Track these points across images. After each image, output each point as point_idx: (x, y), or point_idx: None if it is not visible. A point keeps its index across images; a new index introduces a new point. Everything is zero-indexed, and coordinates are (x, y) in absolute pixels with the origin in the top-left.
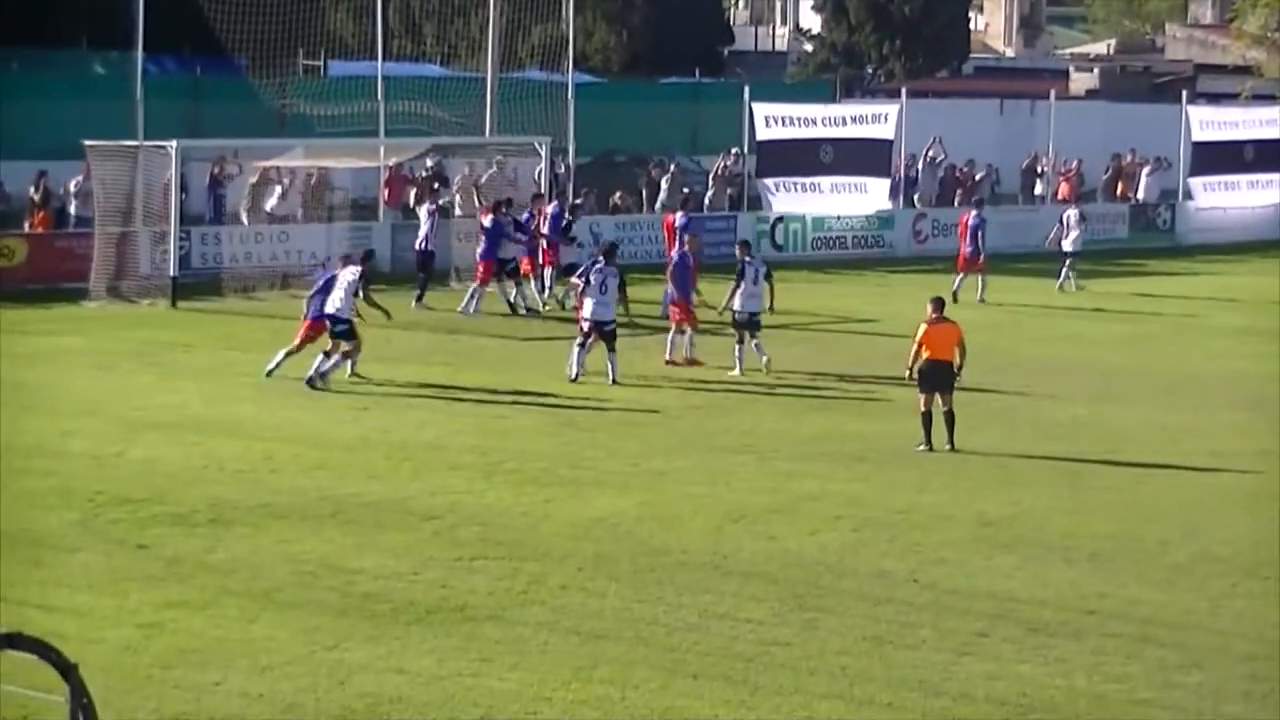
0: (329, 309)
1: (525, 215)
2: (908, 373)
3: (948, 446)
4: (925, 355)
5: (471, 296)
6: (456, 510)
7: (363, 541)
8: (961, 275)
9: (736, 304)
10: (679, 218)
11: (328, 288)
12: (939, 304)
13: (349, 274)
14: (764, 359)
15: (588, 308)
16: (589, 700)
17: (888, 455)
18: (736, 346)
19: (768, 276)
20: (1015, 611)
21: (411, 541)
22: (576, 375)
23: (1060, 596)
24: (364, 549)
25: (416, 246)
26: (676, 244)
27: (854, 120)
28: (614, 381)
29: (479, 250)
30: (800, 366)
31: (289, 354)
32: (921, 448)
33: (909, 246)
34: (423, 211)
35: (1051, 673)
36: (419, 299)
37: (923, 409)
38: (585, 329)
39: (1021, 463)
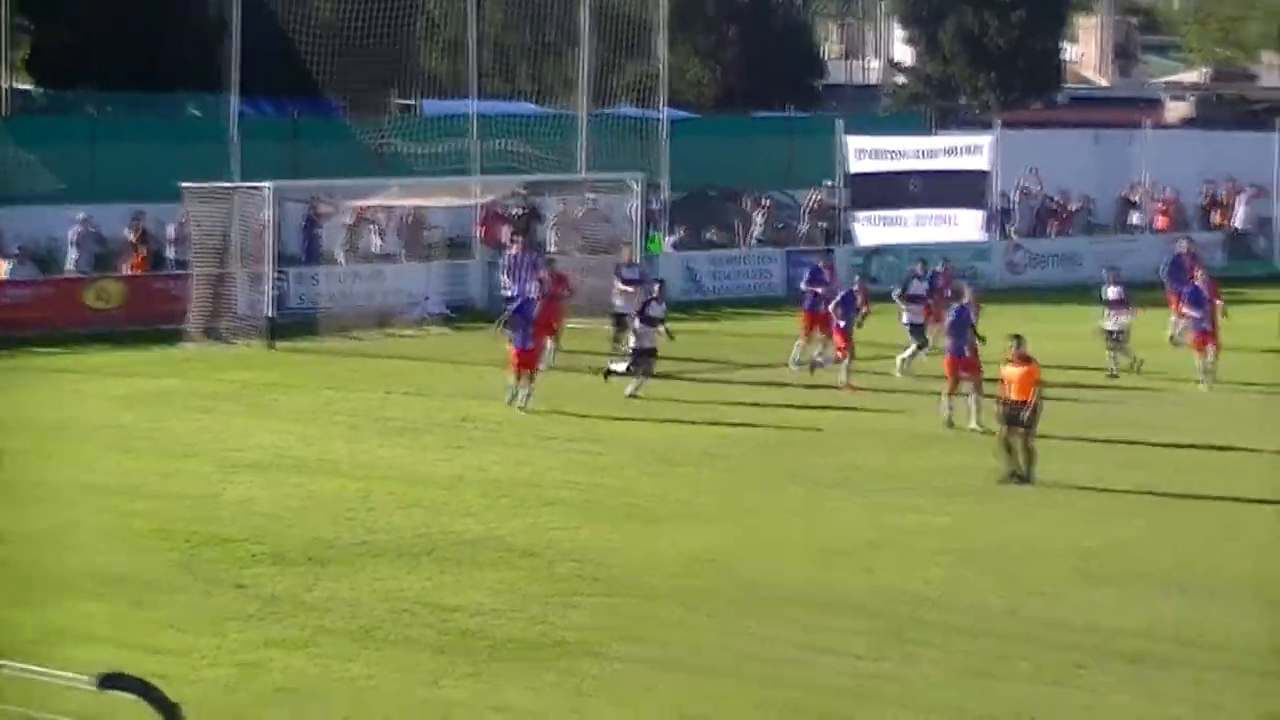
0: None
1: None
2: (997, 406)
3: (1027, 481)
4: (1004, 394)
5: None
6: (553, 547)
7: (460, 579)
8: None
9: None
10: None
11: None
12: (1018, 342)
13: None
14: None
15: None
16: None
17: (985, 488)
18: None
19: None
20: (1113, 643)
21: (509, 578)
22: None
23: (1158, 628)
24: (461, 586)
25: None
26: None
27: (947, 152)
28: None
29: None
30: (894, 398)
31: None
32: (1003, 480)
33: (1004, 278)
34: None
35: (1150, 704)
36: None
37: (1003, 439)
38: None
39: (1119, 495)
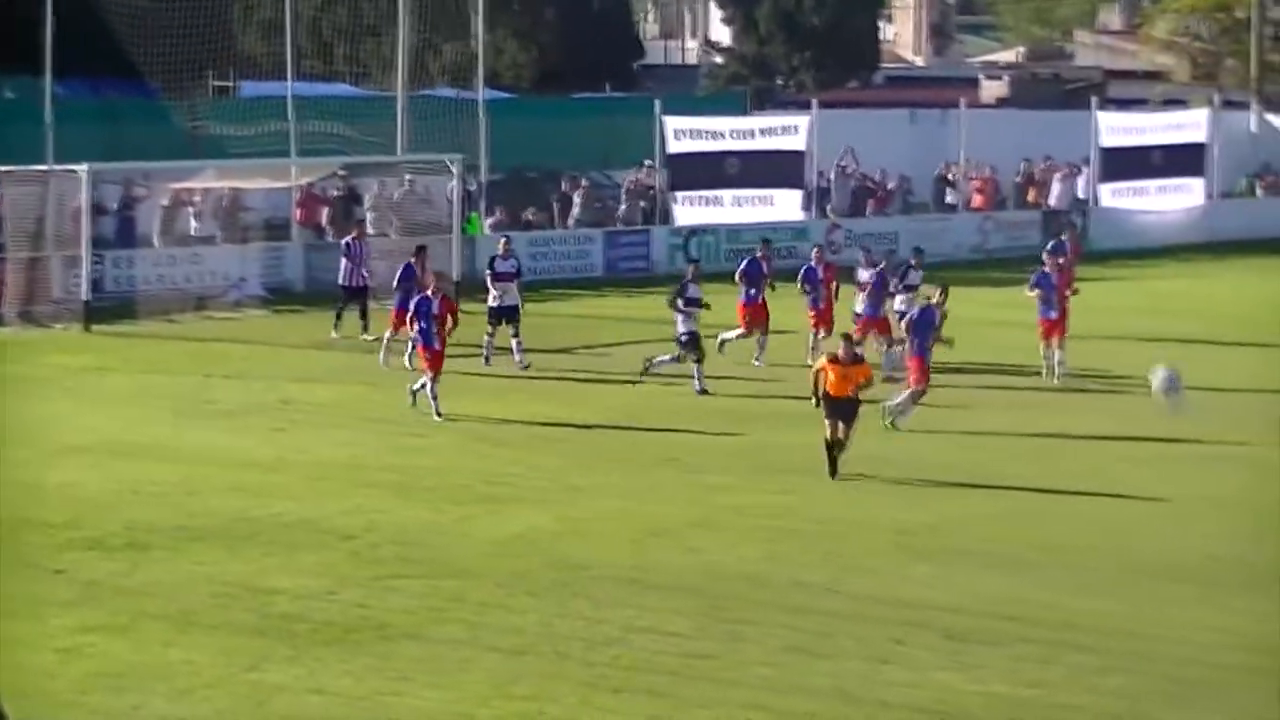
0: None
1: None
2: (813, 400)
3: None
4: (828, 389)
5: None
6: (374, 529)
7: (280, 562)
8: None
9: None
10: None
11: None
12: (847, 340)
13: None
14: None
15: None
16: (509, 716)
17: (809, 467)
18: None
19: None
20: (933, 619)
21: (329, 561)
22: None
23: (978, 603)
24: (282, 569)
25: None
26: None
27: (764, 132)
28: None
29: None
30: (720, 379)
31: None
32: (831, 473)
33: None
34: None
35: (969, 679)
36: (336, 325)
37: (827, 436)
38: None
39: (941, 472)
